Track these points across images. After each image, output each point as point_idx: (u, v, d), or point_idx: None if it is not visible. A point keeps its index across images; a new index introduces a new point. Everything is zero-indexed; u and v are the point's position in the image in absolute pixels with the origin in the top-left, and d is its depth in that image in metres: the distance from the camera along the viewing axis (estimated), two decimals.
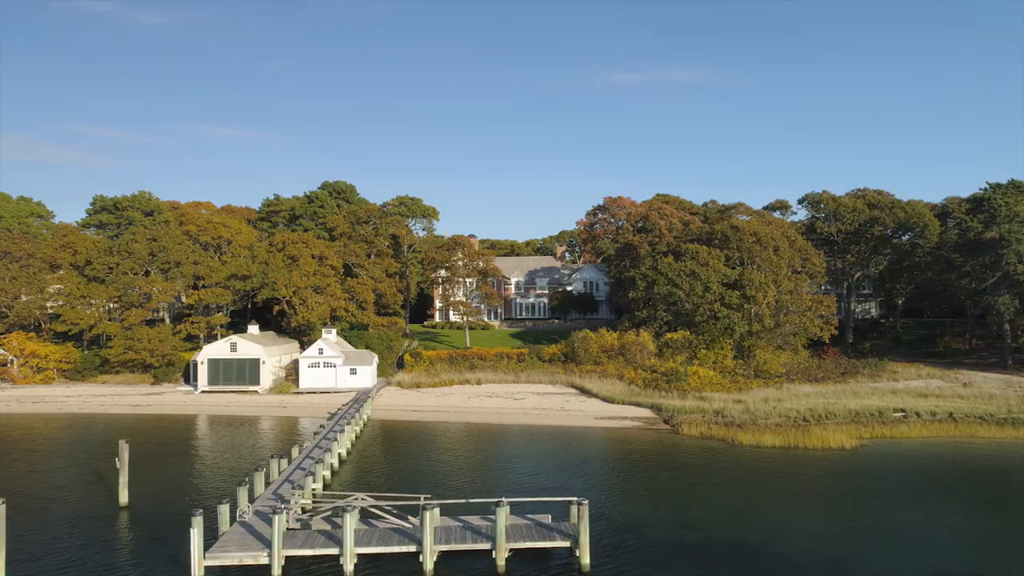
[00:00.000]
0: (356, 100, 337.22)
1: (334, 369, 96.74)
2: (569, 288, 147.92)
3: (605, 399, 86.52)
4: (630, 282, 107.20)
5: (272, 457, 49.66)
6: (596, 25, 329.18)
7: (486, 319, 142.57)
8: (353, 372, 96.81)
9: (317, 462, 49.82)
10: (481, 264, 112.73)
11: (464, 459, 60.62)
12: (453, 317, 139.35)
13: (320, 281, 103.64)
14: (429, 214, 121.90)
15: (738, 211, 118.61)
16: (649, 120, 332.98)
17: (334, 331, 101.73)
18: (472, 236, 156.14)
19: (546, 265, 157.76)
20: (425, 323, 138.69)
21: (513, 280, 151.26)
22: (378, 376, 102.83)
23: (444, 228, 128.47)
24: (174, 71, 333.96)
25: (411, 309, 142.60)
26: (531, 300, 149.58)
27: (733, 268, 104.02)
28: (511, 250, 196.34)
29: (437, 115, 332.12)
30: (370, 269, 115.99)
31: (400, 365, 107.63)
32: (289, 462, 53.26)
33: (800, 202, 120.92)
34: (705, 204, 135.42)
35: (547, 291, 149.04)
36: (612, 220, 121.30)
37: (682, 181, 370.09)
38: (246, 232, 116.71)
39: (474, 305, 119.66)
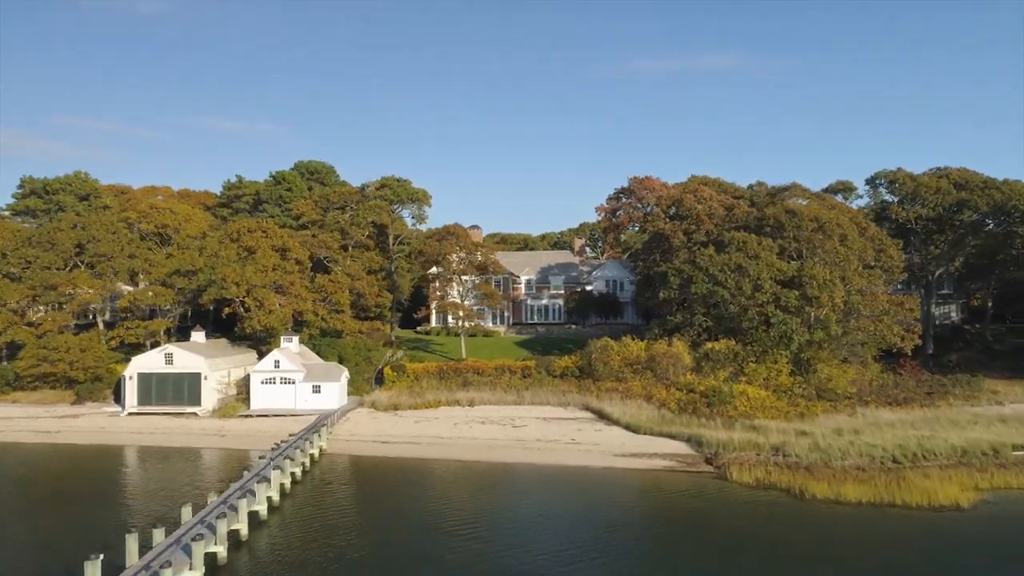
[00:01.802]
0: (364, 87, 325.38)
1: (293, 386, 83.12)
2: (589, 288, 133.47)
3: (628, 427, 72.19)
4: (661, 279, 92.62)
5: (154, 526, 36.41)
6: (615, 10, 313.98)
7: (489, 324, 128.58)
8: (316, 390, 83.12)
9: (210, 531, 36.25)
10: (479, 257, 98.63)
11: (423, 522, 46.58)
12: (452, 322, 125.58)
13: (282, 278, 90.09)
14: (419, 199, 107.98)
15: (792, 193, 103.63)
16: (677, 106, 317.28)
17: (295, 339, 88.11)
18: (475, 227, 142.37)
19: (562, 261, 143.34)
20: (418, 329, 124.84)
21: (523, 278, 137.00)
22: (350, 394, 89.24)
23: (448, 220, 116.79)
24: (167, 60, 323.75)
25: (404, 312, 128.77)
26: (544, 302, 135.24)
27: (789, 262, 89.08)
28: (524, 245, 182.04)
29: (446, 103, 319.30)
30: (346, 264, 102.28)
31: (380, 380, 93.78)
32: (194, 512, 39.46)
33: (869, 182, 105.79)
34: (751, 186, 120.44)
35: (562, 291, 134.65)
36: (639, 205, 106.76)
37: (719, 164, 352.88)
38: (198, 219, 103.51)
39: (472, 307, 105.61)
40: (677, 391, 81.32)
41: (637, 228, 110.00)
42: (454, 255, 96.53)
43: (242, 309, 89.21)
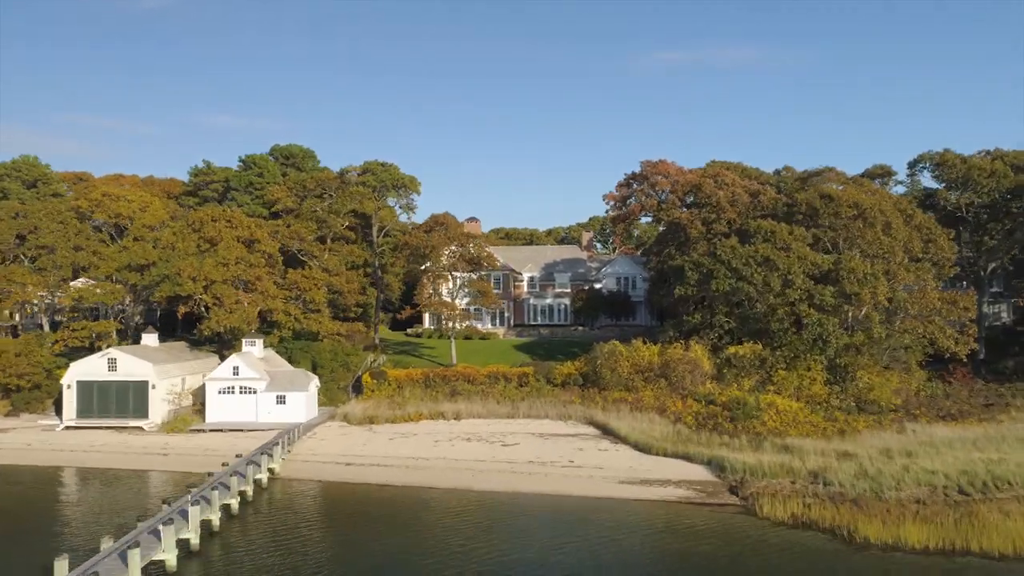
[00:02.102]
0: (371, 78, 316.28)
1: (254, 396, 73.59)
2: (598, 286, 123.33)
3: (638, 446, 62.19)
4: (676, 274, 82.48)
5: None
6: (625, 4, 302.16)
7: (488, 325, 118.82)
8: (281, 401, 73.51)
9: None
10: (472, 251, 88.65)
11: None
12: (446, 323, 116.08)
13: (245, 272, 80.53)
14: (405, 185, 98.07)
15: (826, 179, 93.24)
16: (692, 97, 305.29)
17: (259, 342, 78.56)
18: (472, 220, 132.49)
19: (568, 257, 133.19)
20: (409, 331, 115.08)
21: (525, 275, 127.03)
22: (323, 405, 79.83)
23: (450, 214, 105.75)
24: (168, 53, 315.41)
25: (395, 312, 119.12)
26: (548, 301, 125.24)
27: (824, 254, 78.88)
28: (530, 240, 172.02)
29: (452, 95, 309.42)
30: (323, 259, 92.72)
31: (359, 389, 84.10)
32: None
33: (911, 166, 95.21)
34: (777, 172, 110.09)
35: (569, 290, 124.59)
36: (652, 192, 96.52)
37: (740, 152, 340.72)
38: (156, 208, 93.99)
39: (462, 307, 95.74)
40: (695, 403, 71.20)
41: (651, 220, 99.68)
42: (443, 248, 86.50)
43: (201, 308, 79.60)
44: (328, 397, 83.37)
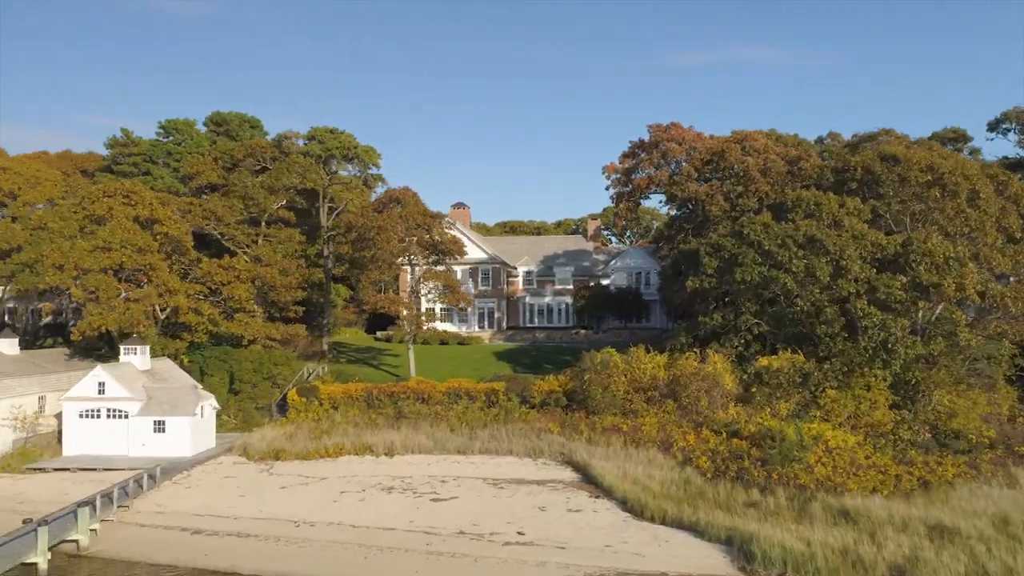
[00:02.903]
0: (371, 77, 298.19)
1: (125, 422, 54.92)
2: (605, 282, 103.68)
3: (627, 504, 42.67)
4: (689, 261, 62.34)
5: None
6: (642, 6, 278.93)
7: (472, 328, 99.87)
8: (159, 428, 54.74)
9: None
10: (434, 235, 69.13)
11: None
12: (439, 325, 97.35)
13: (133, 260, 61.97)
14: (358, 156, 78.93)
15: (883, 143, 72.75)
16: (715, 96, 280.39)
17: (142, 349, 59.94)
18: (460, 206, 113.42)
19: (571, 248, 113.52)
20: (380, 334, 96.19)
21: (520, 270, 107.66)
22: (233, 429, 61.73)
23: (411, 189, 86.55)
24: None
25: (366, 312, 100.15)
26: (547, 299, 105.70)
27: (888, 234, 58.61)
28: (537, 234, 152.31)
29: (465, 93, 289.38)
30: (254, 246, 74.05)
31: (284, 408, 65.25)
32: None
33: (994, 127, 74.25)
34: (820, 140, 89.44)
35: (571, 286, 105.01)
36: (663, 162, 76.53)
37: (770, 118, 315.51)
38: (49, 183, 75.70)
39: (428, 306, 76.55)
40: (712, 435, 51.30)
41: (663, 199, 79.60)
42: (395, 232, 67.02)
43: (69, 307, 61.20)
44: (244, 420, 64.82)
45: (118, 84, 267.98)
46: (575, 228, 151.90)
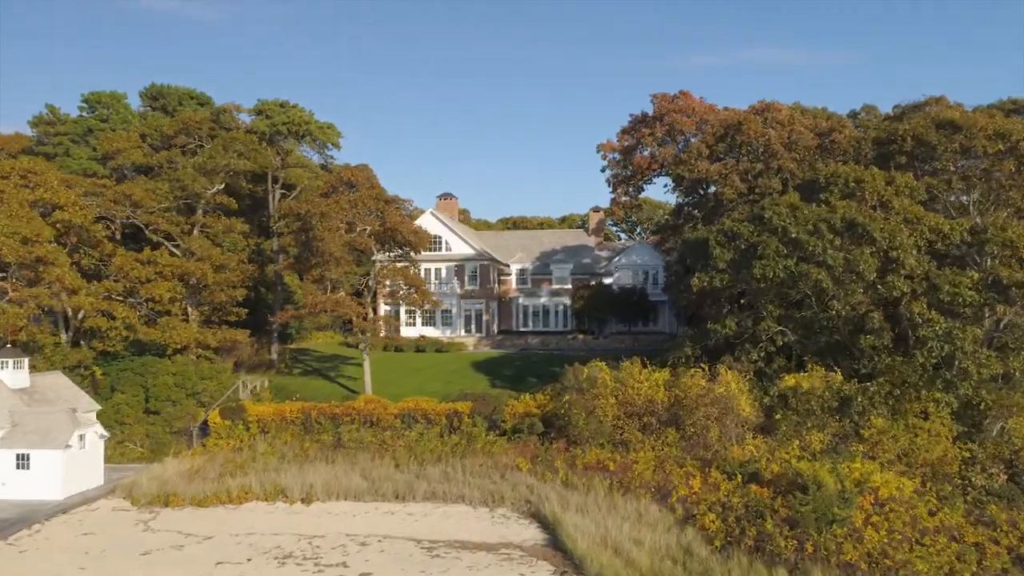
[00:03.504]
0: (369, 76, 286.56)
1: None
2: (608, 281, 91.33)
3: None
4: (697, 251, 49.54)
5: None
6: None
7: (458, 332, 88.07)
8: (23, 463, 43.07)
9: None
10: (388, 223, 56.77)
11: None
12: (411, 329, 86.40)
13: (16, 253, 50.40)
14: (310, 132, 67.06)
15: (932, 114, 59.94)
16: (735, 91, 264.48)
17: (15, 363, 48.03)
18: (447, 196, 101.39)
19: (571, 244, 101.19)
20: (351, 339, 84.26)
21: (513, 268, 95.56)
22: (140, 460, 49.58)
23: (369, 167, 74.50)
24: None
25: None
26: (542, 300, 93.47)
27: (949, 218, 45.88)
28: (540, 228, 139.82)
29: (476, 94, 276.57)
30: (186, 239, 62.41)
31: (205, 432, 53.54)
32: None
33: None
34: (854, 113, 76.52)
35: (570, 286, 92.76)
36: (668, 139, 64.16)
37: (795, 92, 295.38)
38: None
39: (386, 308, 64.52)
40: (724, 479, 38.95)
41: (668, 186, 67.04)
42: (341, 218, 54.87)
43: None
44: (154, 447, 53.04)
45: (117, 84, 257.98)
46: (581, 224, 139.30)
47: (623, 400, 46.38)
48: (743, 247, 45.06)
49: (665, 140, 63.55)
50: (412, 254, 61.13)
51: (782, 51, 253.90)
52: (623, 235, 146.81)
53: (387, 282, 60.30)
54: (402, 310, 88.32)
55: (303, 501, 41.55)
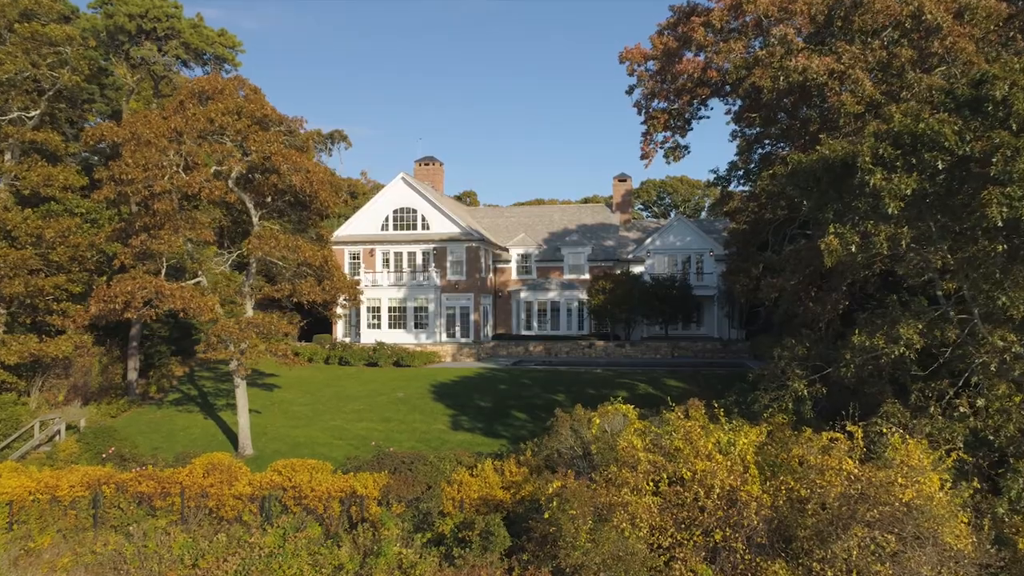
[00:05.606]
0: (370, 75, 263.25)
1: None
2: (638, 270, 67.00)
3: None
4: (820, 184, 24.28)
5: None
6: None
7: (440, 336, 64.04)
8: None
9: None
10: (256, 155, 32.15)
11: None
12: (375, 333, 62.76)
13: None
14: (178, 34, 42.89)
15: None
16: None
17: None
18: (429, 161, 77.07)
19: (589, 222, 76.54)
20: (305, 344, 60.45)
21: (514, 252, 71.34)
22: None
23: (243, 77, 54.22)
24: None
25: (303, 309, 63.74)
26: (551, 295, 68.68)
27: None
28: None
29: (494, 90, 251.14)
30: None
31: None
32: None
33: None
34: None
35: (587, 276, 68.41)
36: (733, 30, 39.10)
37: None
38: None
39: (248, 315, 40.26)
40: None
41: (729, 112, 42.17)
42: (172, 146, 30.57)
43: None
44: None
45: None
46: (607, 203, 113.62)
47: (672, 491, 21.49)
48: (945, 165, 19.70)
49: (728, 32, 38.21)
50: (320, 220, 36.82)
51: None
52: (639, 206, 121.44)
53: (274, 262, 35.40)
54: (363, 307, 64.27)
55: None
